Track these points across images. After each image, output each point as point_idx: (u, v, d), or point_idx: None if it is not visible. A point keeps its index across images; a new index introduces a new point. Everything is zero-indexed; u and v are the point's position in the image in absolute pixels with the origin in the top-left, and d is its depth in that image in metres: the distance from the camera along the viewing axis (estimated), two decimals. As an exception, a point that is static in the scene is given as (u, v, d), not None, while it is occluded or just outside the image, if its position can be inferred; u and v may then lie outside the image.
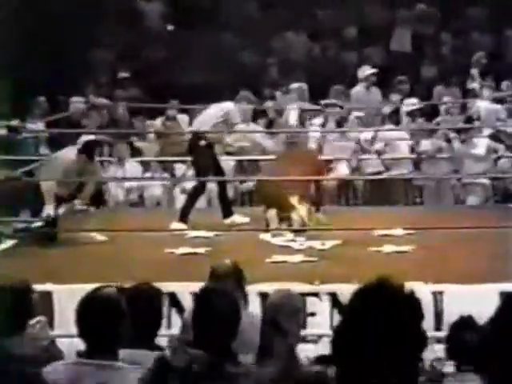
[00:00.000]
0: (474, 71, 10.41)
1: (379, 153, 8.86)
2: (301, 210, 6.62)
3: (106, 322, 2.77)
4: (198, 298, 2.95)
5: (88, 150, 6.65)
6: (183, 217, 6.87)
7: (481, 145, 8.40)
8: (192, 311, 2.90)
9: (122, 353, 2.82)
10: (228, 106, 7.08)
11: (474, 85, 10.10)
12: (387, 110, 9.47)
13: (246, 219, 6.98)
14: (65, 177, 6.62)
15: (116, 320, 2.79)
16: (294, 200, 6.61)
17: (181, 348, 2.74)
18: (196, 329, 2.80)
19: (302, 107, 9.16)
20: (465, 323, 3.46)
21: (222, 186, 7.19)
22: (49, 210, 6.48)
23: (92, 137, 6.93)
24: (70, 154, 6.70)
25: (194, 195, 7.07)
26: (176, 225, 6.82)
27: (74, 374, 2.75)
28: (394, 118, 9.29)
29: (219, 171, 7.16)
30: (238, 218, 6.99)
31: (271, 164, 7.53)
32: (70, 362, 2.85)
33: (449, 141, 8.53)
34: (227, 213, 7.01)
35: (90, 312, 2.80)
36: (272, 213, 6.64)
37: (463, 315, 3.53)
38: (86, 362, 2.75)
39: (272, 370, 3.12)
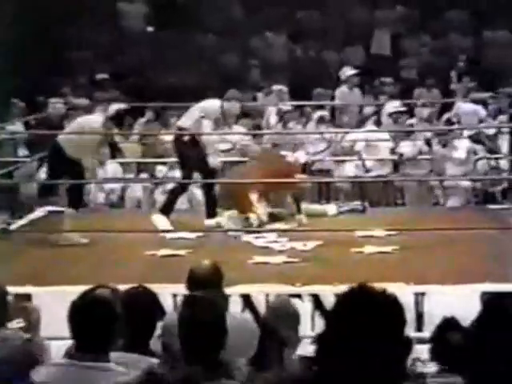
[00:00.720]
0: (453, 73, 10.47)
1: (359, 154, 8.88)
2: (259, 209, 6.62)
3: (98, 323, 2.75)
4: (184, 310, 2.91)
5: (118, 117, 6.70)
6: (166, 214, 6.84)
7: (461, 147, 8.43)
8: (178, 324, 2.86)
9: (113, 355, 2.80)
10: (211, 103, 7.02)
11: (453, 86, 10.16)
12: (369, 111, 9.51)
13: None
14: (99, 146, 6.66)
15: (108, 322, 2.77)
16: (253, 197, 6.61)
17: (171, 360, 2.71)
18: (184, 342, 2.76)
19: (282, 108, 9.18)
20: (449, 324, 3.46)
21: (208, 185, 7.14)
22: None
23: (122, 105, 6.92)
24: (97, 119, 6.70)
25: (175, 193, 7.03)
26: (159, 219, 6.79)
27: (63, 375, 2.73)
28: (376, 119, 9.32)
29: (206, 169, 7.09)
30: (220, 220, 6.94)
31: (241, 167, 7.47)
32: (58, 363, 2.83)
33: (429, 143, 8.55)
34: (211, 214, 6.98)
35: (83, 312, 2.78)
36: (229, 214, 6.61)
37: (447, 316, 3.53)
38: (74, 364, 2.73)
39: (270, 377, 3.12)
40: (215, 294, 3.74)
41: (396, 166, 8.85)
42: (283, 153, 7.64)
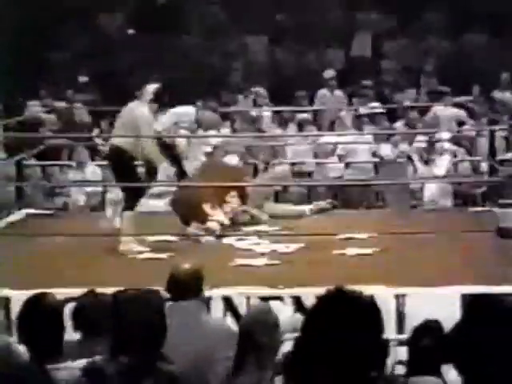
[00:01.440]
0: (429, 79, 10.54)
1: (340, 157, 8.91)
2: (216, 216, 6.61)
3: (44, 329, 2.72)
4: (117, 304, 2.89)
5: (159, 97, 6.31)
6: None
7: (441, 164, 8.46)
8: (112, 318, 2.85)
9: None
10: (185, 110, 6.99)
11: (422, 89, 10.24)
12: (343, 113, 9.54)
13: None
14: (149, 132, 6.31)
15: (54, 327, 2.74)
16: (206, 208, 6.60)
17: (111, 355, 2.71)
18: (118, 335, 2.76)
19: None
20: (427, 326, 3.47)
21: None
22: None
23: (156, 84, 6.46)
24: (143, 109, 6.27)
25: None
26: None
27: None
28: (356, 122, 9.34)
29: (181, 174, 7.07)
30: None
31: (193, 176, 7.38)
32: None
33: (410, 159, 8.57)
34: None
35: (30, 319, 2.75)
36: (194, 226, 6.59)
37: (427, 318, 3.54)
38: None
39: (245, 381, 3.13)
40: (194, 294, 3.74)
41: (376, 167, 8.89)
42: (228, 157, 7.60)
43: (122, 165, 6.28)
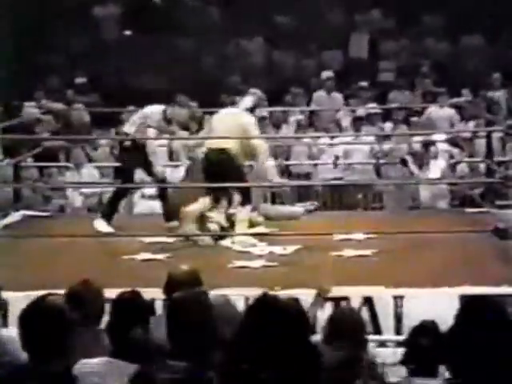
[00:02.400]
0: (423, 80, 10.56)
1: (338, 158, 8.91)
2: (216, 218, 6.61)
3: (48, 332, 2.68)
4: (172, 307, 2.89)
5: (255, 107, 6.76)
6: (106, 219, 6.80)
7: (436, 169, 8.46)
8: (166, 322, 2.84)
9: (94, 361, 2.77)
10: (153, 108, 6.98)
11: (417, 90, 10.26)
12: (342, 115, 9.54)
13: None
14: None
15: (59, 330, 2.71)
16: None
17: (160, 360, 2.69)
18: (172, 339, 2.74)
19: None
20: (424, 328, 3.47)
21: (162, 189, 7.06)
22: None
23: (252, 96, 6.87)
24: (248, 115, 6.65)
25: (115, 199, 7.00)
26: (100, 223, 6.74)
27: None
28: (355, 124, 9.35)
29: (151, 174, 7.00)
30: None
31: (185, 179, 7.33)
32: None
33: (404, 162, 8.56)
34: (169, 217, 6.95)
35: (33, 322, 2.72)
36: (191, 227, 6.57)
37: (424, 320, 3.53)
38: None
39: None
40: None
41: (377, 169, 8.89)
42: None
43: (233, 167, 6.47)
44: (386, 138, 9.14)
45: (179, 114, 6.92)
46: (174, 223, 6.83)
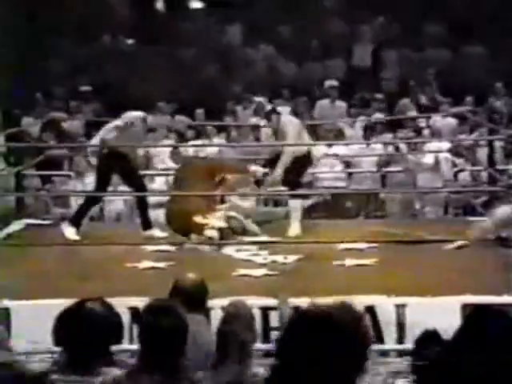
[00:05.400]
0: (428, 87, 10.58)
1: (349, 166, 8.93)
2: (211, 223, 6.61)
3: (86, 335, 2.71)
4: (143, 315, 2.90)
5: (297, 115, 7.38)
6: (75, 225, 6.81)
7: (429, 155, 8.50)
8: (138, 330, 2.86)
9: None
10: (134, 114, 7.00)
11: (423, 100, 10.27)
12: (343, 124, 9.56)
13: (165, 234, 6.88)
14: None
15: (104, 335, 2.74)
16: (198, 219, 6.60)
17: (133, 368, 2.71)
18: (143, 347, 2.76)
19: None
20: (429, 337, 3.47)
21: (141, 198, 7.05)
22: None
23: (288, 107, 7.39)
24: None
25: (85, 206, 7.00)
26: (68, 230, 6.75)
27: None
28: (362, 133, 9.36)
29: (134, 181, 7.00)
30: (157, 232, 6.92)
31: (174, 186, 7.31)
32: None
33: (397, 148, 8.62)
34: (146, 225, 6.95)
35: (72, 324, 2.74)
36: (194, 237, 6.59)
37: (428, 329, 3.53)
38: (59, 379, 2.70)
39: (226, 377, 3.20)
40: (197, 305, 3.75)
41: (383, 178, 8.91)
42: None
43: (297, 169, 6.87)
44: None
45: (160, 121, 6.96)
46: (152, 232, 6.85)
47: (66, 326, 2.77)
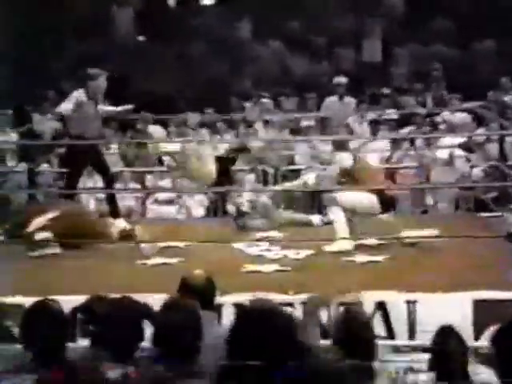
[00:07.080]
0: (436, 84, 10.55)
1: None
2: (117, 224, 6.61)
3: (49, 334, 2.76)
4: (158, 313, 2.92)
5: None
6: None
7: (443, 151, 8.48)
8: (154, 327, 2.87)
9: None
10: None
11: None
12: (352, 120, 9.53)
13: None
14: None
15: (59, 333, 2.76)
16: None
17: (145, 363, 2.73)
18: (156, 344, 2.78)
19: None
20: (446, 332, 3.46)
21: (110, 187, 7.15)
22: None
23: None
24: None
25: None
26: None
27: None
28: (371, 129, 9.35)
29: (105, 173, 7.09)
30: (122, 223, 6.93)
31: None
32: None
33: (412, 142, 8.61)
34: (115, 214, 7.02)
35: (34, 324, 2.76)
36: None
37: (444, 325, 3.52)
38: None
39: None
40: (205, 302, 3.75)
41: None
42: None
43: None
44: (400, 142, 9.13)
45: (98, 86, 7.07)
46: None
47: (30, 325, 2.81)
